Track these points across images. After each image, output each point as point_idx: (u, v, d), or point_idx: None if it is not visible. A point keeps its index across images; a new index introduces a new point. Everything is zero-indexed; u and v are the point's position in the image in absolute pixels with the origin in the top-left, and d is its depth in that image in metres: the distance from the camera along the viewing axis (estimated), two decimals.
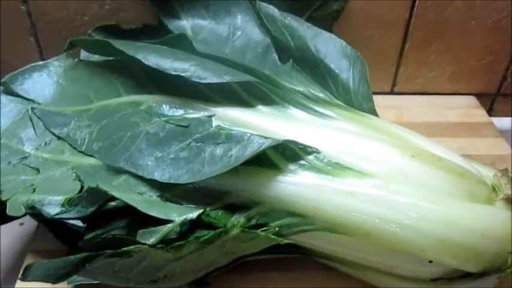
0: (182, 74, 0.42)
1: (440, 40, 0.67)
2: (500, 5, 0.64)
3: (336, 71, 0.51)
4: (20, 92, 0.52)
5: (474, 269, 0.40)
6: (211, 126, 0.42)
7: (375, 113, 0.49)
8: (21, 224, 0.60)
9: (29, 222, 0.57)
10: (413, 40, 0.67)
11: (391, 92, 0.72)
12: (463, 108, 0.72)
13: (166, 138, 0.42)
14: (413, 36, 0.67)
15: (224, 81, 0.42)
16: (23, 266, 0.48)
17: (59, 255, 0.44)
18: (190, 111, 0.44)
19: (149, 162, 0.41)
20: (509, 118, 0.76)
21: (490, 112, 0.75)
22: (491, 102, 0.76)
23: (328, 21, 0.60)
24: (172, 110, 0.44)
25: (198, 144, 0.41)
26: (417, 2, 0.64)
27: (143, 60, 0.43)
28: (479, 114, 0.71)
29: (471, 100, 0.73)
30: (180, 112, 0.44)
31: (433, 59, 0.69)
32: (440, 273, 0.41)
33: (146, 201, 0.41)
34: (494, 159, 0.60)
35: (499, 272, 0.40)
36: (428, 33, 0.66)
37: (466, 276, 0.41)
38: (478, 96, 0.73)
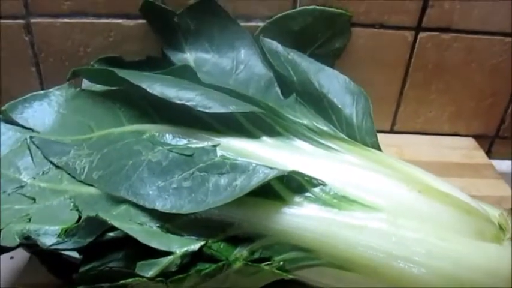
0: (188, 104, 0.42)
1: (440, 80, 0.68)
2: (500, 48, 0.65)
3: (339, 106, 0.51)
4: (19, 121, 0.51)
5: None
6: (216, 156, 0.41)
7: (378, 149, 0.49)
8: (12, 257, 0.58)
9: (20, 256, 0.55)
10: (413, 79, 0.68)
11: (391, 131, 0.72)
12: (463, 149, 0.72)
13: (169, 167, 0.41)
14: (414, 76, 0.67)
15: (230, 111, 0.42)
16: None
17: None
18: (194, 141, 0.43)
19: (151, 192, 0.40)
20: (508, 161, 0.76)
21: (489, 154, 0.75)
22: (490, 144, 0.76)
23: (330, 59, 0.61)
24: (175, 140, 0.44)
25: (202, 174, 0.40)
26: (417, 43, 0.64)
27: (148, 89, 0.43)
28: (479, 156, 0.71)
29: (470, 141, 0.74)
30: (184, 142, 0.44)
31: (433, 99, 0.69)
32: None
33: (146, 232, 0.39)
34: (496, 200, 0.60)
35: None
36: (428, 74, 0.67)
37: None
38: (477, 137, 0.74)
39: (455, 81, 0.68)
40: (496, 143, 0.76)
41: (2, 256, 0.56)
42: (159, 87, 0.43)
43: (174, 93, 0.43)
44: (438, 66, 0.67)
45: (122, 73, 0.46)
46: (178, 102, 0.42)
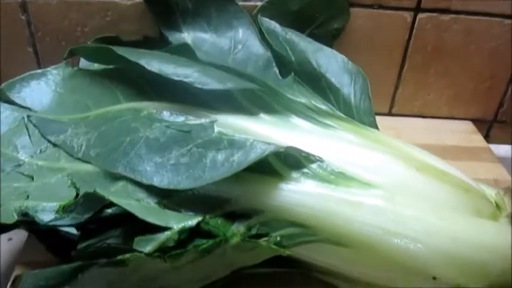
0: (185, 80, 0.42)
1: (439, 63, 0.68)
2: (499, 31, 0.65)
3: (337, 86, 0.51)
4: (17, 100, 0.51)
5: (478, 286, 0.39)
6: (213, 132, 0.41)
7: (376, 128, 0.49)
8: (10, 239, 0.58)
9: (18, 237, 0.55)
10: (412, 62, 0.67)
11: (389, 114, 0.72)
12: (461, 132, 0.71)
13: (167, 143, 0.41)
14: (412, 58, 0.67)
15: (227, 88, 0.42)
16: (12, 278, 0.46)
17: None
18: (192, 118, 0.43)
19: (148, 168, 0.40)
20: (506, 146, 0.76)
21: (487, 139, 0.75)
22: (488, 129, 0.76)
23: (328, 40, 0.61)
24: (173, 117, 0.44)
25: (200, 150, 0.40)
26: (416, 24, 0.64)
27: (146, 66, 0.43)
28: (477, 140, 0.71)
29: (468, 125, 0.74)
30: (181, 119, 0.43)
31: (432, 82, 0.69)
32: None
33: (144, 208, 0.39)
34: (493, 183, 0.60)
35: None
36: (427, 56, 0.67)
37: None
38: (475, 121, 0.74)
39: (454, 64, 0.68)
40: (494, 127, 0.76)
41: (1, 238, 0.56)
42: (156, 63, 0.43)
43: (171, 70, 0.43)
44: (437, 49, 0.66)
45: (120, 50, 0.46)
46: (176, 78, 0.42)
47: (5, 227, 0.43)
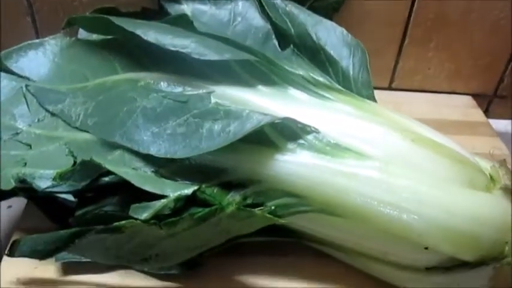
0: (182, 50, 0.42)
1: (440, 37, 0.67)
2: (500, 5, 0.65)
3: (336, 58, 0.51)
4: (15, 70, 0.50)
5: (470, 257, 0.39)
6: (210, 102, 0.41)
7: (374, 101, 0.49)
8: (9, 206, 0.58)
9: (17, 205, 0.56)
10: (412, 36, 0.67)
11: (389, 88, 0.72)
12: (461, 107, 0.71)
13: (164, 113, 0.41)
14: (413, 33, 0.67)
15: (225, 58, 0.42)
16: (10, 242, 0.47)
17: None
18: (189, 88, 0.43)
19: (145, 137, 0.40)
20: (505, 121, 0.76)
21: (487, 114, 0.75)
22: (488, 104, 0.75)
23: (328, 13, 0.60)
24: (170, 87, 0.44)
25: (196, 120, 0.40)
26: None
27: (142, 36, 0.43)
28: (477, 114, 0.71)
29: (468, 100, 0.73)
30: (179, 89, 0.43)
31: (432, 56, 0.69)
32: (436, 262, 0.40)
33: (141, 176, 0.40)
34: (490, 157, 0.60)
35: (496, 262, 0.39)
36: (427, 30, 0.66)
37: (462, 265, 0.40)
38: (475, 96, 0.73)
39: (455, 38, 0.67)
40: (494, 102, 0.75)
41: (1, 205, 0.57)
42: (153, 34, 0.43)
43: (168, 40, 0.42)
44: (438, 22, 0.66)
45: (117, 20, 0.46)
46: (173, 49, 0.42)
47: (4, 194, 0.44)
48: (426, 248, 0.39)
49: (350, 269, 0.46)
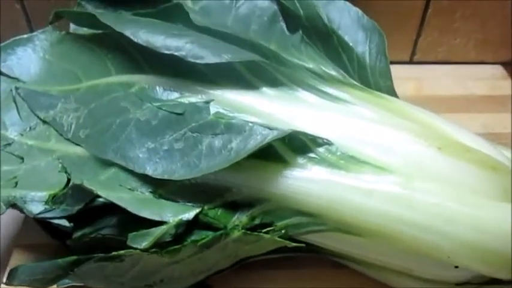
0: (176, 53, 0.37)
1: (466, 5, 0.61)
2: None
3: (351, 44, 0.46)
4: (4, 70, 0.47)
5: (505, 276, 0.35)
6: (209, 114, 0.37)
7: (393, 93, 0.44)
8: None
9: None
10: (436, 5, 0.61)
11: (411, 62, 0.66)
12: (489, 79, 0.66)
13: (159, 127, 0.37)
14: (437, 2, 0.60)
15: (224, 60, 0.37)
16: (10, 262, 0.45)
17: (48, 250, 0.41)
18: (187, 94, 0.39)
19: (140, 155, 0.37)
20: None
21: None
22: None
23: None
24: (166, 93, 0.40)
25: (195, 135, 0.36)
26: None
27: (132, 38, 0.38)
28: (507, 86, 0.65)
29: (498, 70, 0.68)
30: (175, 95, 0.39)
31: (458, 26, 0.63)
32: (467, 278, 0.37)
33: (137, 200, 0.36)
34: None
35: None
36: None
37: (496, 281, 0.36)
38: (505, 65, 0.68)
39: (483, 6, 0.61)
40: None
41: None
42: (144, 34, 0.38)
43: (161, 42, 0.38)
44: None
45: (104, 18, 0.41)
46: (166, 52, 0.37)
47: None
48: (456, 267, 0.35)
49: (372, 282, 0.42)
